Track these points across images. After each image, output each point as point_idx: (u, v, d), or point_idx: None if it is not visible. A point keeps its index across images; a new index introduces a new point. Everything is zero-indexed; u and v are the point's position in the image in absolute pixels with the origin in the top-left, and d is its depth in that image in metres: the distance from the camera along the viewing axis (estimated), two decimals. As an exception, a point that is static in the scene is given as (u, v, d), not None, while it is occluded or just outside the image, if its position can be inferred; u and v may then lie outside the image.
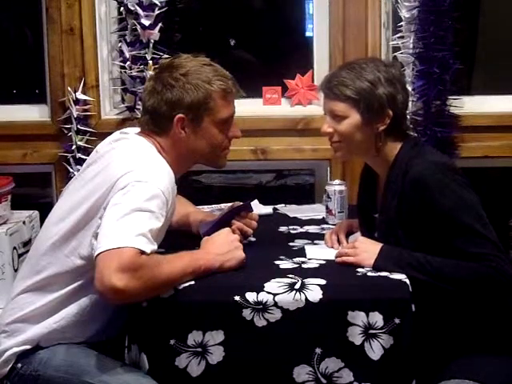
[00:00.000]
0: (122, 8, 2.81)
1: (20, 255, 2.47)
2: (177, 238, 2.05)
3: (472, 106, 2.86)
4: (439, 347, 1.89)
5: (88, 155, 2.82)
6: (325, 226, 2.35)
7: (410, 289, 1.76)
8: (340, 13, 2.84)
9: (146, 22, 2.77)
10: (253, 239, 2.18)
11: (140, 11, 2.76)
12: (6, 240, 2.42)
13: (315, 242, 2.12)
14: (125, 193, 1.73)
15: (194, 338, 1.72)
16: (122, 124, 2.89)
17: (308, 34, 3.17)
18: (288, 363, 1.72)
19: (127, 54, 2.81)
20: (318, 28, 2.93)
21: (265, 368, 1.73)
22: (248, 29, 3.91)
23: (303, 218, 2.46)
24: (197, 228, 2.10)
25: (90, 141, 2.85)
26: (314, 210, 2.56)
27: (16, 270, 2.40)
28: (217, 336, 1.72)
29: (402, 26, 2.77)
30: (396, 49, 2.81)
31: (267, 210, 2.60)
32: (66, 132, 2.87)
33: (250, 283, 1.76)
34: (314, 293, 1.72)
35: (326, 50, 2.89)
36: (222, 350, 1.72)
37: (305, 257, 1.96)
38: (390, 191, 1.94)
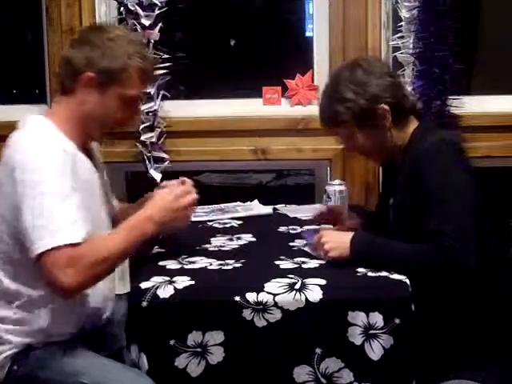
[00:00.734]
0: (121, 8, 2.81)
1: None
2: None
3: (472, 106, 2.86)
4: (439, 347, 1.89)
5: (88, 155, 2.85)
6: (325, 226, 2.35)
7: (410, 289, 1.75)
8: (340, 13, 2.84)
9: (146, 22, 2.77)
10: (253, 239, 2.18)
11: (140, 11, 2.76)
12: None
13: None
14: (25, 186, 1.72)
15: (193, 338, 1.72)
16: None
17: (308, 34, 3.17)
18: (288, 363, 1.72)
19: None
20: (318, 28, 2.93)
21: (265, 368, 1.72)
22: (248, 29, 3.91)
23: (303, 218, 2.46)
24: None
25: (90, 141, 2.85)
26: (314, 210, 2.56)
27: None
28: (217, 336, 1.72)
29: (401, 25, 2.77)
30: (396, 49, 2.81)
31: (267, 209, 2.61)
32: (65, 132, 2.87)
33: (250, 283, 1.76)
34: (314, 293, 1.71)
35: (326, 50, 2.89)
36: (222, 351, 1.72)
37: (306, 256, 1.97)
38: (401, 174, 1.95)
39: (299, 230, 2.30)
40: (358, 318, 1.71)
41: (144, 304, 1.73)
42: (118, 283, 3.03)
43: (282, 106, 2.96)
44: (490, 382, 1.83)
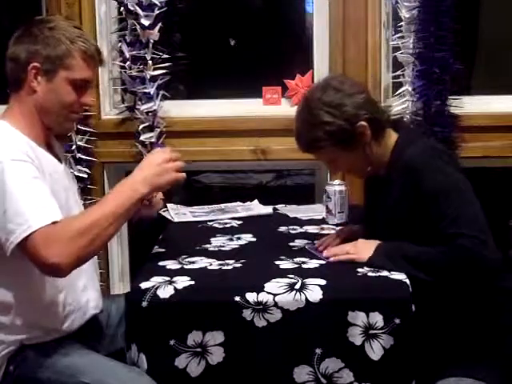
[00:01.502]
0: (121, 8, 2.81)
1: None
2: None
3: (472, 106, 2.86)
4: (439, 347, 1.89)
5: (88, 155, 2.85)
6: (325, 226, 2.35)
7: (410, 289, 1.75)
8: (340, 13, 2.84)
9: (146, 22, 2.77)
10: (253, 239, 2.18)
11: (140, 11, 2.76)
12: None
13: (315, 242, 2.11)
14: None
15: (193, 338, 1.72)
16: (121, 124, 2.89)
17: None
18: (288, 363, 1.72)
19: (127, 54, 2.81)
20: (318, 28, 2.92)
21: (265, 368, 1.72)
22: (248, 29, 3.91)
23: (303, 218, 2.46)
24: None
25: (90, 141, 2.86)
26: (314, 210, 2.56)
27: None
28: (217, 336, 1.72)
29: (401, 25, 2.77)
30: (396, 49, 2.81)
31: (267, 209, 2.61)
32: (65, 132, 2.87)
33: (250, 283, 1.76)
34: (314, 293, 1.71)
35: (326, 49, 2.89)
36: (222, 351, 1.72)
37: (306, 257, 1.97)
38: (391, 185, 1.95)
39: (299, 230, 2.30)
40: (358, 317, 1.71)
41: (144, 304, 1.73)
42: (117, 283, 3.04)
43: (282, 106, 2.96)
44: (490, 381, 1.84)
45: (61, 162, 1.99)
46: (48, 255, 1.66)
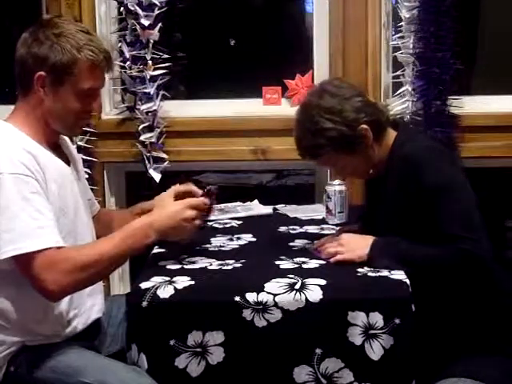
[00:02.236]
0: (121, 8, 2.81)
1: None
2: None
3: (472, 106, 2.86)
4: (439, 347, 1.89)
5: (89, 155, 2.85)
6: (325, 226, 2.35)
7: (410, 289, 1.76)
8: (340, 13, 2.84)
9: (146, 22, 2.77)
10: (253, 239, 2.18)
11: (140, 11, 2.76)
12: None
13: (315, 242, 2.11)
14: None
15: (193, 338, 1.72)
16: (121, 124, 2.89)
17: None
18: (288, 363, 1.72)
19: (127, 54, 2.81)
20: (318, 28, 2.92)
21: (265, 368, 1.72)
22: (248, 29, 3.91)
23: (303, 218, 2.46)
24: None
25: (90, 141, 2.85)
26: (314, 210, 2.56)
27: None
28: (217, 336, 1.72)
29: (401, 25, 2.77)
30: (396, 49, 2.81)
31: (267, 209, 2.60)
32: (65, 132, 2.87)
33: (250, 283, 1.76)
34: (314, 293, 1.71)
35: (326, 49, 2.89)
36: (222, 351, 1.72)
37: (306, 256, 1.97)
38: (388, 181, 1.95)
39: (299, 230, 2.30)
40: (358, 317, 1.71)
41: (144, 304, 1.73)
42: (117, 283, 3.04)
43: (282, 106, 2.96)
44: (490, 381, 1.83)
45: (69, 164, 1.97)
46: (46, 280, 1.67)
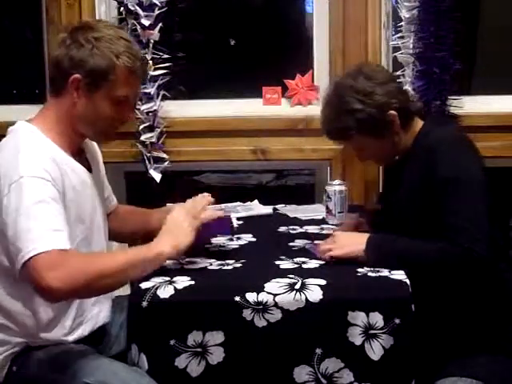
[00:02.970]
0: (121, 8, 2.81)
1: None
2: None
3: (472, 106, 2.86)
4: (439, 347, 1.89)
5: (88, 155, 2.85)
6: (325, 226, 2.35)
7: (410, 289, 1.75)
8: (340, 13, 2.84)
9: (146, 22, 2.77)
10: (253, 239, 2.18)
11: (140, 11, 2.76)
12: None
13: (315, 242, 2.11)
14: (10, 194, 1.69)
15: (193, 338, 1.72)
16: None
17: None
18: (288, 363, 1.72)
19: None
20: (318, 28, 2.92)
21: (265, 368, 1.72)
22: (248, 29, 3.91)
23: (303, 218, 2.46)
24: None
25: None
26: (314, 210, 2.56)
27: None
28: (217, 336, 1.72)
29: (401, 25, 2.77)
30: (396, 49, 2.81)
31: (267, 209, 2.60)
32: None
33: (250, 283, 1.76)
34: (315, 293, 1.71)
35: (326, 49, 2.89)
36: (222, 351, 1.72)
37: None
38: (407, 169, 1.95)
39: (299, 230, 2.30)
40: (358, 317, 1.71)
41: (144, 304, 1.73)
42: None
43: (282, 106, 2.96)
44: (490, 381, 1.84)
45: (90, 170, 1.96)
46: (44, 279, 1.61)
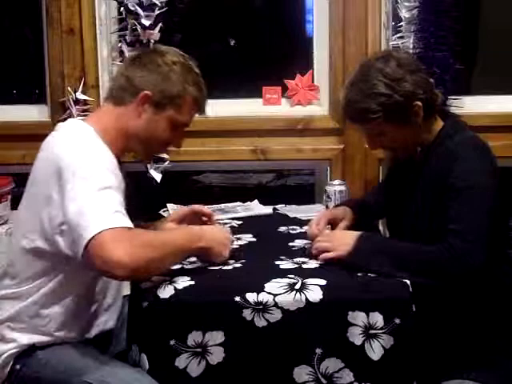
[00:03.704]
0: (122, 8, 2.81)
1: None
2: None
3: (472, 106, 2.86)
4: (440, 347, 1.89)
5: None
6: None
7: (410, 289, 1.75)
8: (340, 13, 2.84)
9: (146, 22, 2.77)
10: (253, 239, 2.18)
11: (140, 11, 2.76)
12: (6, 240, 2.42)
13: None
14: (74, 178, 1.71)
15: (193, 338, 1.72)
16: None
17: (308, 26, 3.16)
18: (288, 363, 1.72)
19: (127, 54, 2.81)
20: (318, 28, 2.93)
21: (265, 368, 1.72)
22: (248, 28, 3.91)
23: (303, 218, 2.46)
24: None
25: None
26: (314, 210, 2.56)
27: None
28: (217, 336, 1.72)
29: (401, 25, 2.77)
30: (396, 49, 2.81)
31: (267, 209, 2.61)
32: (65, 132, 2.87)
33: (250, 283, 1.76)
34: (315, 293, 1.71)
35: (326, 49, 2.89)
36: (222, 351, 1.72)
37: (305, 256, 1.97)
38: (424, 172, 1.95)
39: (299, 230, 2.30)
40: (358, 318, 1.71)
41: (144, 304, 1.73)
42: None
43: (282, 106, 2.96)
44: (492, 383, 1.83)
45: (125, 181, 1.98)
46: (113, 251, 1.60)
